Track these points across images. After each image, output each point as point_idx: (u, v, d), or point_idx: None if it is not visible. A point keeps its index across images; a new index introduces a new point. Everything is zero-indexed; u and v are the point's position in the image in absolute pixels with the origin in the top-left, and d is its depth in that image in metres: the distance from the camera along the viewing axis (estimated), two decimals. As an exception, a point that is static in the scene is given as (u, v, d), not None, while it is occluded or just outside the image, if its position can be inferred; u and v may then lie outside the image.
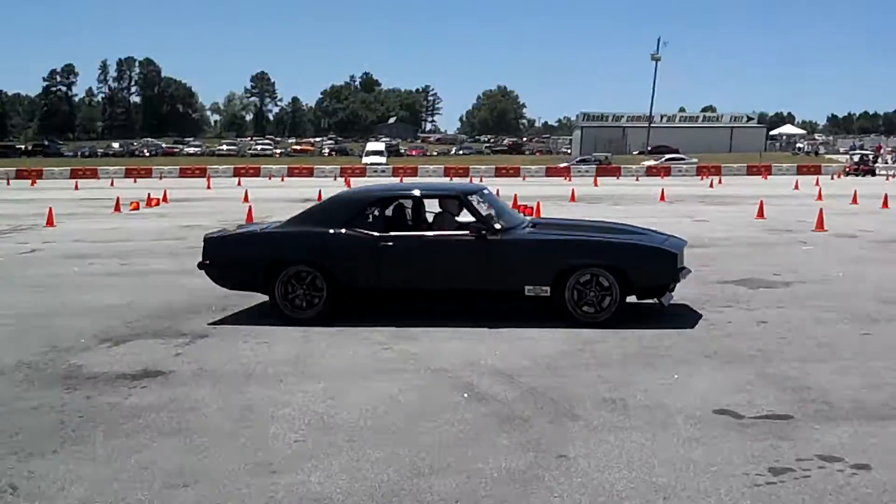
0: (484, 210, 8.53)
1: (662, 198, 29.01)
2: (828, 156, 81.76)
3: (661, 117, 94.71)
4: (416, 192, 9.07)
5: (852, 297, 9.64)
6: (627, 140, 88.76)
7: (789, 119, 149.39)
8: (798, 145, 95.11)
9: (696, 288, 10.23)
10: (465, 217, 8.66)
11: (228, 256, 8.90)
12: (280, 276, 8.38)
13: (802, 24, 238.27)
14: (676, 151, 72.74)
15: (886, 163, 66.08)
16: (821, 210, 18.68)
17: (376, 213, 8.62)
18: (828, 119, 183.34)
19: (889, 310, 8.83)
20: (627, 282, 8.09)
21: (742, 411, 5.47)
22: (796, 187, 36.84)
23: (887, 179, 50.46)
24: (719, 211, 24.12)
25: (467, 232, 8.34)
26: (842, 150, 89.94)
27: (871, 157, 66.43)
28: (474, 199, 8.65)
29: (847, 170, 59.09)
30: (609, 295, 8.05)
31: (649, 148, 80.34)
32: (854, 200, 26.08)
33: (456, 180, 40.89)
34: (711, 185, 40.92)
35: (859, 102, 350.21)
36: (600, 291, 8.06)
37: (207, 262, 8.80)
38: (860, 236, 16.44)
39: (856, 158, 63.51)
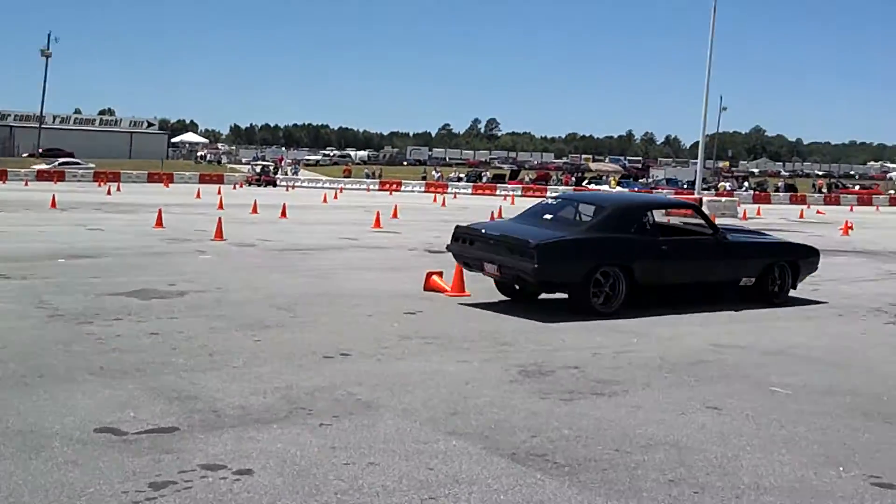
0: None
1: (54, 204, 27.77)
2: (231, 165, 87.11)
3: (55, 118, 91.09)
4: (666, 202, 12.83)
5: (246, 304, 10.33)
6: (15, 141, 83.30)
7: (192, 127, 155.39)
8: (200, 154, 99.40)
9: (86, 301, 9.92)
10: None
11: (560, 259, 10.19)
12: (594, 275, 10.13)
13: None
14: (71, 155, 70.63)
15: (287, 174, 73.06)
16: (220, 219, 19.68)
17: (648, 220, 11.09)
18: (231, 129, 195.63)
19: (280, 316, 9.67)
20: (796, 273, 12.19)
21: (126, 427, 5.42)
22: (198, 196, 38.40)
23: (287, 190, 55.64)
24: (117, 219, 23.87)
25: (710, 235, 11.58)
26: (244, 160, 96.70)
27: (272, 167, 72.77)
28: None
29: (249, 180, 63.83)
30: (785, 283, 12.03)
31: (40, 150, 76.37)
32: (254, 210, 28.20)
33: None
34: (109, 192, 40.40)
35: (262, 115, 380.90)
36: (784, 280, 11.99)
37: (537, 265, 9.82)
38: (258, 245, 17.80)
39: (258, 169, 68.99)
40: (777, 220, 38.70)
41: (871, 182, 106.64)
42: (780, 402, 6.84)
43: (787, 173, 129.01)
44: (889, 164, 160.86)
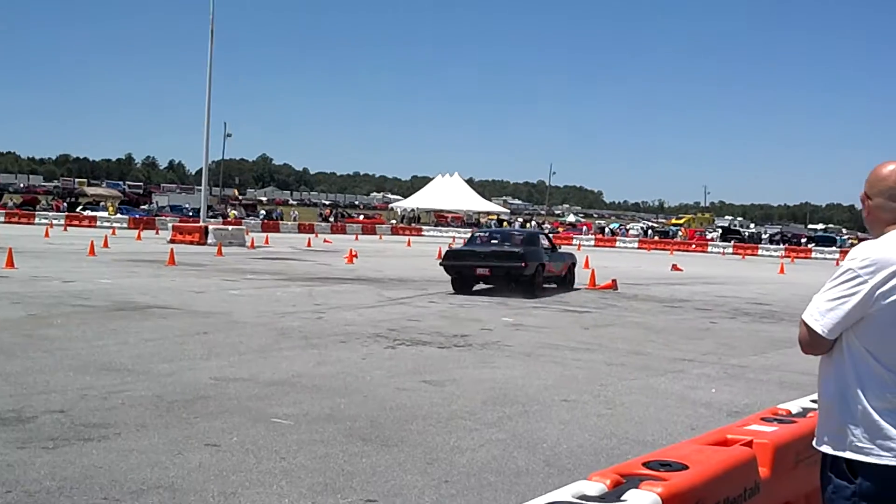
0: None
1: None
2: None
3: None
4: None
5: None
6: None
7: None
8: None
9: None
10: None
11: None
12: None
13: None
14: None
15: None
16: None
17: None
18: None
19: None
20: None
21: None
22: None
23: None
24: None
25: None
26: None
27: None
28: None
29: None
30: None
31: None
32: None
33: None
34: None
35: None
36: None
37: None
38: None
39: None
40: (286, 248, 40.65)
41: (375, 212, 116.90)
42: (282, 434, 7.18)
43: (295, 202, 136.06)
44: (390, 195, 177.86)
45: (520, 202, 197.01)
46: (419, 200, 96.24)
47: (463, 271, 21.06)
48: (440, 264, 22.08)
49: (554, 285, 22.67)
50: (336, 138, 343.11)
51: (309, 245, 44.74)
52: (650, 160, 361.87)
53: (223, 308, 15.60)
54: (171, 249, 28.71)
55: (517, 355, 11.65)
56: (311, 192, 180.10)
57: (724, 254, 63.93)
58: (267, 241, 45.39)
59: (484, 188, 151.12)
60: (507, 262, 20.41)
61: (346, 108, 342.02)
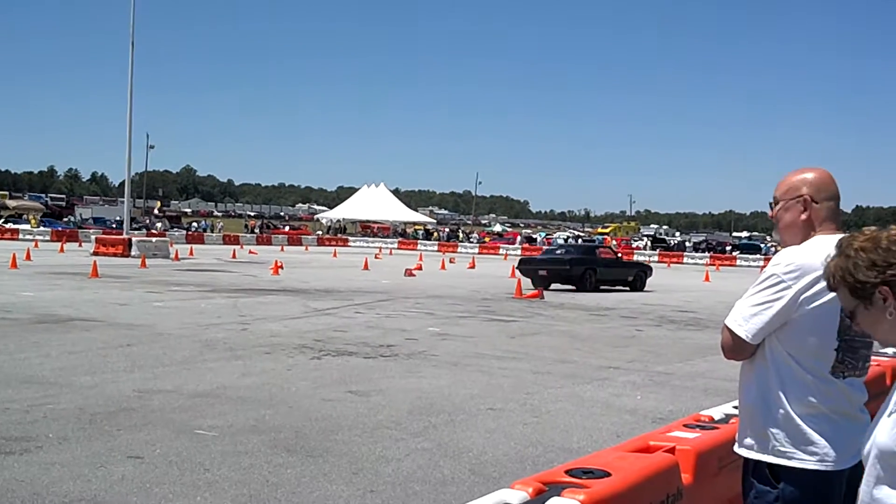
0: None
1: None
2: None
3: None
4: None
5: None
6: None
7: None
8: None
9: None
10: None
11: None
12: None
13: None
14: None
15: None
16: None
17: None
18: None
19: None
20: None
21: None
22: None
23: None
24: None
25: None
26: None
27: None
28: None
29: None
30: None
31: None
32: None
33: None
34: None
35: None
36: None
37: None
38: None
39: None
40: (211, 260, 40.15)
41: (301, 223, 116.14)
42: (206, 445, 7.10)
43: (220, 213, 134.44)
44: (316, 206, 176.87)
45: (446, 212, 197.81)
46: (345, 211, 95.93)
47: (530, 273, 28.39)
48: (517, 268, 29.76)
49: (627, 288, 29.38)
50: (261, 150, 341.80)
51: (234, 256, 44.24)
52: (576, 169, 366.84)
53: (147, 320, 15.34)
54: (95, 262, 28.17)
55: (443, 364, 11.68)
56: (237, 204, 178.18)
57: (649, 262, 64.93)
58: (192, 253, 44.79)
59: (410, 198, 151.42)
60: (558, 266, 28.60)
61: (271, 120, 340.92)
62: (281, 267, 32.23)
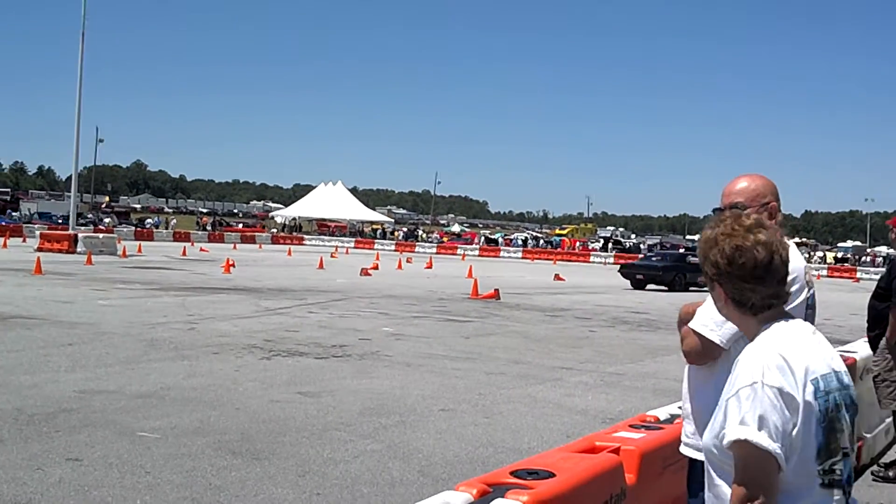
0: None
1: None
2: None
3: None
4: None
5: None
6: None
7: None
8: None
9: None
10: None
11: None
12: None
13: None
14: None
15: None
16: None
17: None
18: None
19: None
20: None
21: None
22: None
23: None
24: None
25: None
26: None
27: None
28: None
29: None
30: None
31: None
32: None
33: None
34: None
35: None
36: None
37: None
38: None
39: None
40: (160, 258, 39.69)
41: (255, 220, 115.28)
42: (147, 448, 6.99)
43: (170, 210, 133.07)
44: (271, 203, 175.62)
45: (405, 211, 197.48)
46: (301, 209, 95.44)
47: (629, 276, 34.09)
48: (619, 272, 35.59)
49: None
50: (215, 145, 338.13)
51: (184, 254, 43.78)
52: (535, 171, 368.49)
53: (90, 319, 15.10)
54: (38, 258, 27.64)
55: (396, 365, 11.64)
56: (189, 200, 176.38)
57: (605, 263, 65.43)
58: (140, 250, 44.22)
59: (368, 198, 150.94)
60: (652, 271, 34.02)
61: (226, 115, 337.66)
62: (233, 265, 31.95)
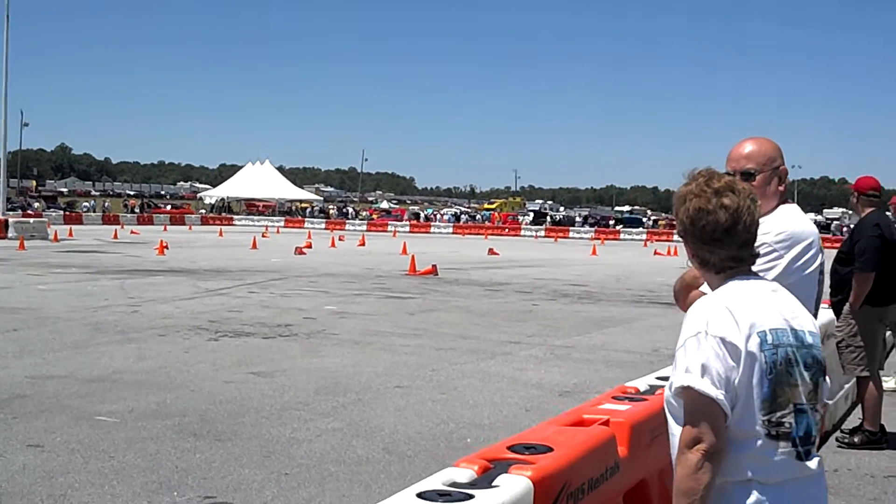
0: None
1: None
2: None
3: None
4: None
5: None
6: None
7: None
8: None
9: None
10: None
11: None
12: None
13: None
14: None
15: None
16: None
17: None
18: None
19: None
20: None
21: None
22: None
23: None
24: None
25: None
26: None
27: None
28: None
29: None
30: None
31: None
32: None
33: None
34: None
35: None
36: None
37: None
38: None
39: None
40: (92, 241, 38.83)
41: (183, 202, 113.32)
42: (108, 432, 6.85)
43: (97, 193, 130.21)
44: (198, 185, 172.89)
45: (332, 189, 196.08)
46: (229, 189, 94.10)
47: None
48: None
49: None
50: (139, 127, 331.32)
51: (116, 237, 42.94)
52: (461, 146, 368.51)
53: (31, 303, 14.72)
54: (-34, 244, 26.90)
55: (345, 343, 11.58)
56: (115, 183, 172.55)
57: (536, 237, 65.92)
58: (71, 234, 43.22)
59: (295, 176, 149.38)
60: None
61: (149, 97, 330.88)
62: (166, 247, 31.41)
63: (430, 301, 17.15)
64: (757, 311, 2.27)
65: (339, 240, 45.42)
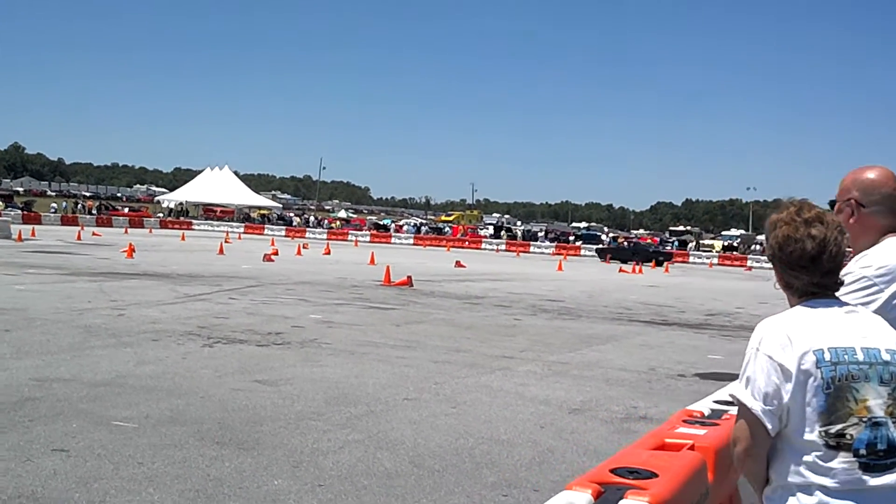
0: None
1: None
2: None
3: None
4: None
5: None
6: None
7: None
8: None
9: None
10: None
11: None
12: None
13: None
14: None
15: None
16: None
17: None
18: None
19: None
20: None
21: None
22: None
23: None
24: None
25: None
26: None
27: None
28: None
29: None
30: None
31: None
32: None
33: None
34: None
35: None
36: None
37: None
38: None
39: None
40: (55, 241, 38.19)
41: (140, 205, 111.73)
42: (130, 438, 6.74)
43: (53, 193, 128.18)
44: (154, 188, 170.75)
45: (289, 197, 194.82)
46: (187, 193, 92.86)
47: None
48: None
49: None
50: (93, 128, 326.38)
51: (79, 238, 42.31)
52: (417, 157, 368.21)
53: (16, 304, 14.41)
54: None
55: (340, 353, 11.50)
56: (70, 184, 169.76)
57: (497, 251, 66.00)
58: (34, 234, 42.45)
59: (250, 182, 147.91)
60: None
61: (104, 99, 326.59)
62: (134, 250, 30.94)
63: (412, 313, 17.11)
64: (818, 331, 2.40)
65: (304, 248, 45.14)
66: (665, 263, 54.14)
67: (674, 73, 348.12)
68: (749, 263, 62.27)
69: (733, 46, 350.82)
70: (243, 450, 6.68)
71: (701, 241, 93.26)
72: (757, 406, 2.40)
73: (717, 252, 76.00)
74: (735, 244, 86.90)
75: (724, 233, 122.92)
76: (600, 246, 65.67)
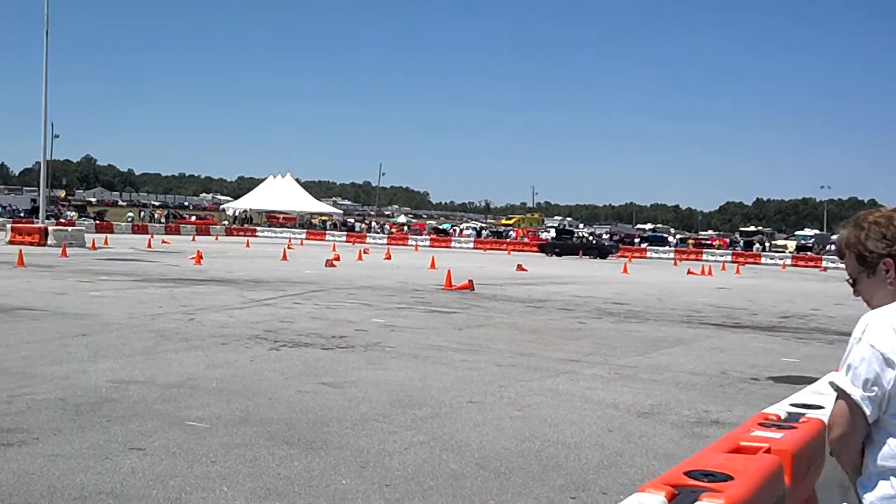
0: None
1: None
2: None
3: None
4: None
5: None
6: None
7: None
8: None
9: None
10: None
11: None
12: None
13: None
14: None
15: None
16: None
17: None
18: None
19: None
20: None
21: None
22: None
23: None
24: None
25: None
26: None
27: None
28: None
29: None
30: None
31: None
32: None
33: None
34: None
35: None
36: None
37: None
38: None
39: None
40: (127, 249, 39.04)
41: (206, 213, 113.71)
42: (203, 437, 6.85)
43: (124, 203, 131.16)
44: (220, 196, 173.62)
45: (349, 203, 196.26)
46: (251, 201, 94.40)
47: None
48: None
49: None
50: (160, 139, 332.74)
51: (150, 246, 43.11)
52: (476, 160, 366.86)
53: (91, 310, 14.78)
54: (21, 251, 27.24)
55: (403, 356, 11.54)
56: (139, 194, 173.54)
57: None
58: (107, 242, 43.44)
59: (311, 189, 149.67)
60: None
61: (170, 109, 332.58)
62: (202, 257, 31.47)
63: (474, 316, 17.10)
64: None
65: (365, 253, 45.43)
66: (608, 257, 57.13)
67: (742, 71, 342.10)
68: (824, 264, 59.19)
69: (804, 44, 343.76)
70: (311, 450, 6.74)
71: (773, 242, 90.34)
72: (857, 392, 2.49)
73: (790, 252, 72.93)
74: (809, 244, 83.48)
75: (797, 233, 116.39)
76: (542, 242, 68.81)
